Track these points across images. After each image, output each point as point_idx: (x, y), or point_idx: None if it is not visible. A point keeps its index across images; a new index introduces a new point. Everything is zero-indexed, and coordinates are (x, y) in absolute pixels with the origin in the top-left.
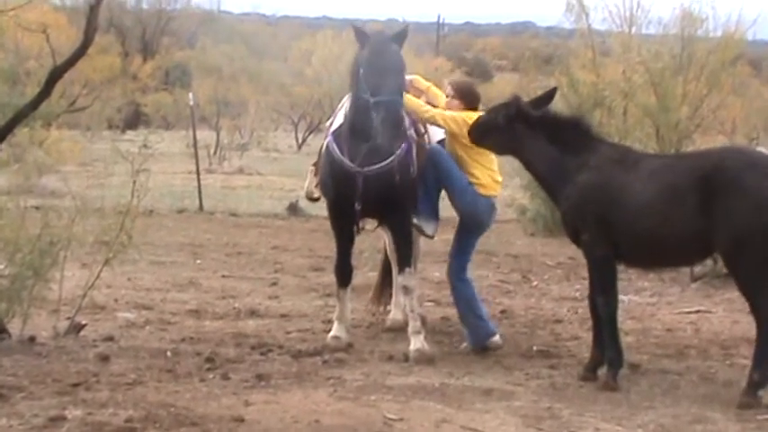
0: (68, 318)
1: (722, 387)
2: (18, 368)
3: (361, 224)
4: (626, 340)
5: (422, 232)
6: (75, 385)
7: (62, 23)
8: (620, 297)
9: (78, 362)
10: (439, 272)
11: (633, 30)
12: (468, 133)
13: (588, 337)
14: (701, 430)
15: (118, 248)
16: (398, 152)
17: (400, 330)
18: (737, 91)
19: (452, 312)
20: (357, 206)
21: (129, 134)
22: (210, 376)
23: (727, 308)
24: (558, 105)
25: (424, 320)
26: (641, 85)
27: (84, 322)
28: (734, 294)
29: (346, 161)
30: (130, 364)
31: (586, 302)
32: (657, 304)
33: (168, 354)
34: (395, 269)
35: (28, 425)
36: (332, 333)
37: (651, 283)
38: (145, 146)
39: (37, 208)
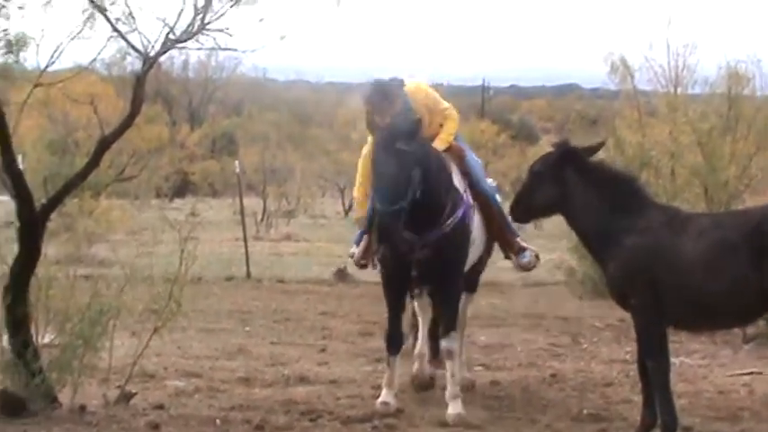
0: (118, 386)
1: None
2: None
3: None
4: (678, 403)
5: None
6: None
7: (109, 94)
8: (672, 359)
9: (129, 431)
10: (485, 336)
11: (679, 90)
12: (517, 202)
13: (639, 400)
14: None
15: (167, 316)
16: (454, 217)
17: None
18: None
19: (501, 376)
20: (414, 273)
21: (177, 202)
22: None
23: None
24: None
25: (472, 384)
26: (688, 145)
27: (134, 391)
28: None
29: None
30: None
31: (636, 365)
32: (709, 366)
33: (218, 422)
34: (423, 329)
35: None
36: (381, 399)
37: (702, 345)
38: (192, 214)
39: (86, 277)
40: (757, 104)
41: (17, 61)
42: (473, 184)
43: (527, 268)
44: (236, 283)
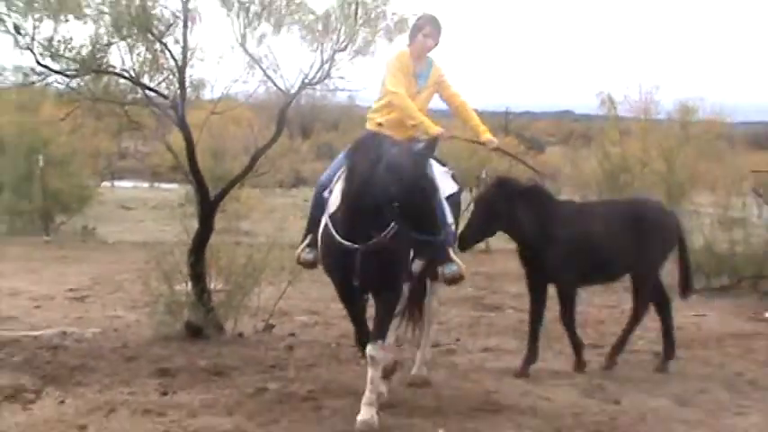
0: (263, 320)
1: (717, 369)
2: (233, 354)
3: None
4: (650, 336)
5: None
6: (272, 366)
7: (249, 116)
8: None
9: (273, 350)
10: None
11: (646, 117)
12: (472, 231)
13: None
14: (705, 398)
15: (298, 272)
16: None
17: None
18: (718, 158)
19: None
20: (355, 282)
21: (293, 191)
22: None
23: (718, 313)
24: (598, 171)
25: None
26: (655, 157)
27: (274, 323)
28: (723, 302)
29: (341, 240)
30: (308, 352)
31: (620, 309)
32: None
33: (333, 345)
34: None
35: (242, 394)
36: (361, 417)
37: None
38: (305, 200)
39: (238, 244)
40: (702, 129)
41: (198, 96)
42: None
43: (450, 281)
44: None
